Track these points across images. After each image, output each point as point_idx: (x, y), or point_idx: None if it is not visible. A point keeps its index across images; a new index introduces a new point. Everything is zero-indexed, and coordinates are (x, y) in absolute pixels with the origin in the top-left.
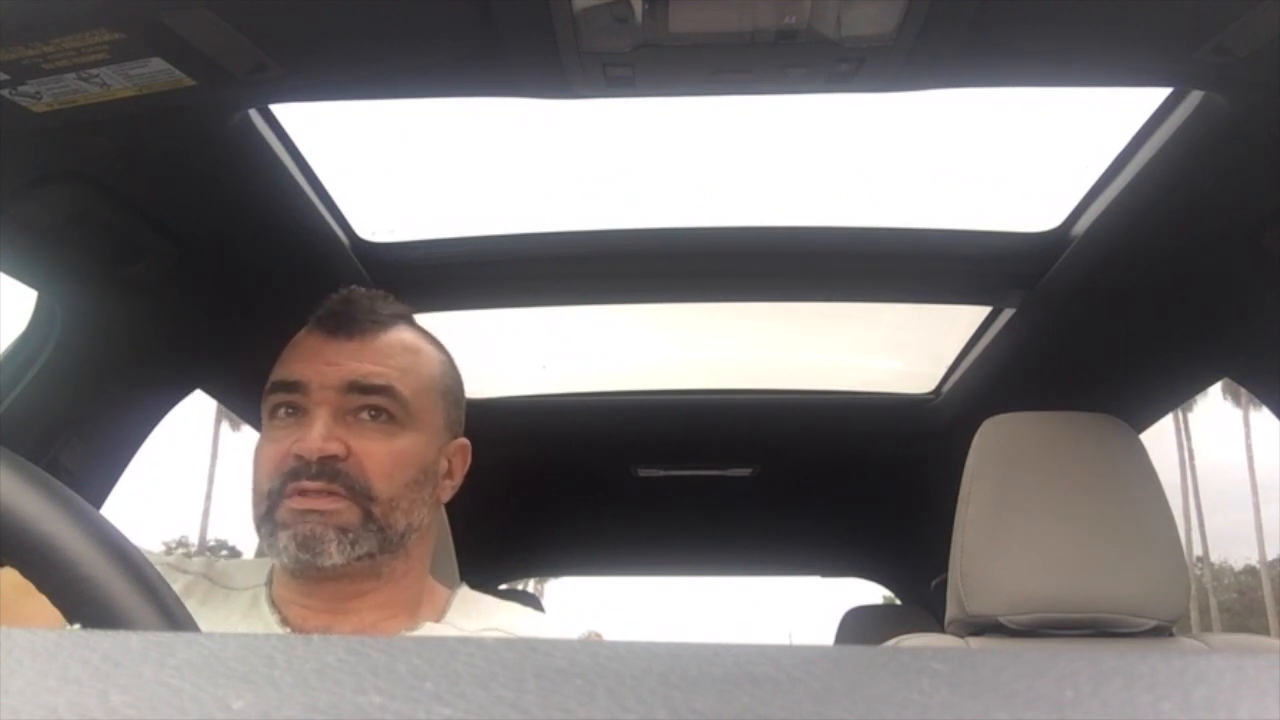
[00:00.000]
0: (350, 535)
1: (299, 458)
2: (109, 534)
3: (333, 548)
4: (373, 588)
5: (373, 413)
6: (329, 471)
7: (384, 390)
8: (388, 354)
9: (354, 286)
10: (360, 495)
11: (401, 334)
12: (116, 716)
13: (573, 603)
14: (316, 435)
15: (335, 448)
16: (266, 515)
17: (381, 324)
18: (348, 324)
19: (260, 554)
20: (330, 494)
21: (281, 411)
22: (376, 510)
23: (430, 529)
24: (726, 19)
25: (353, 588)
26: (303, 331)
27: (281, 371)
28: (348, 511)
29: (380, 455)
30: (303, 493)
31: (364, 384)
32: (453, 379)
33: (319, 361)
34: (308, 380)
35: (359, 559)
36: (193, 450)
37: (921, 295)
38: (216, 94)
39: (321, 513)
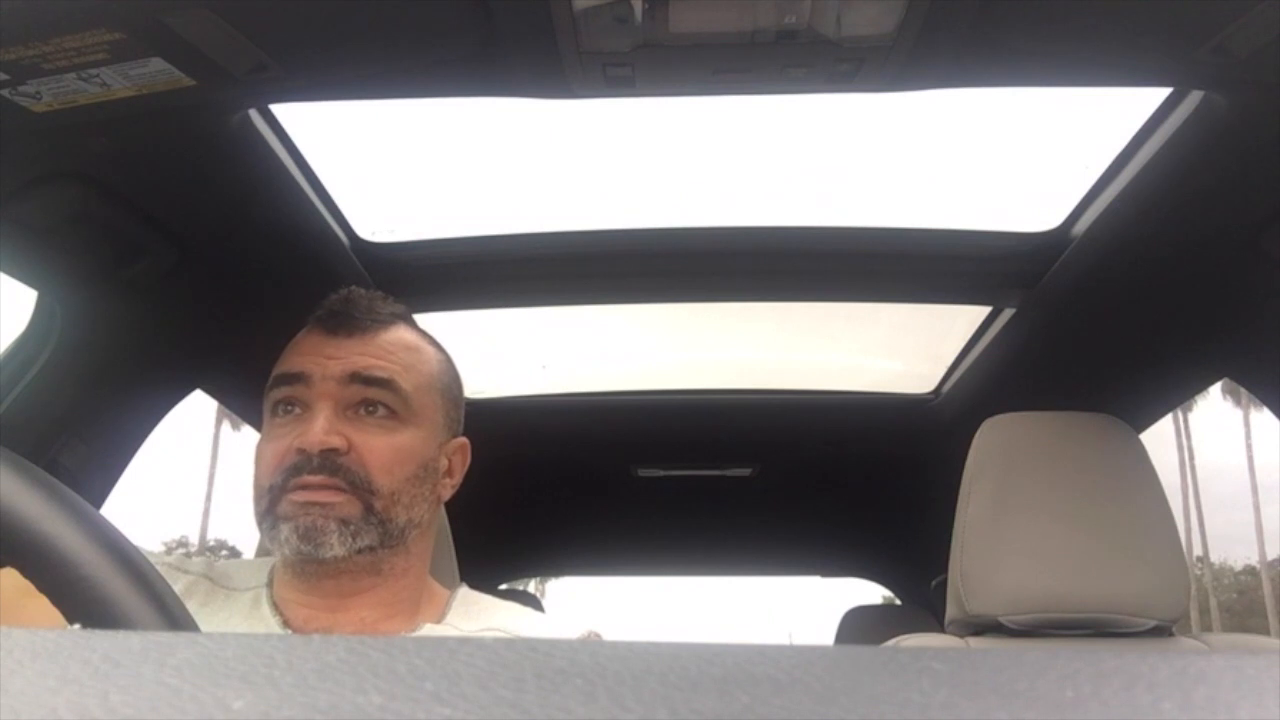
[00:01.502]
0: (351, 527)
1: (301, 452)
2: (109, 534)
3: (334, 539)
4: (373, 584)
5: (373, 407)
6: (330, 465)
7: (385, 383)
8: (389, 350)
9: (353, 286)
10: (361, 489)
11: (401, 332)
12: (116, 716)
13: (573, 603)
14: (318, 429)
15: (337, 441)
16: (268, 510)
17: (382, 322)
18: (348, 321)
19: (261, 553)
20: (332, 488)
21: (283, 409)
22: (377, 504)
23: (431, 527)
24: (726, 19)
25: (353, 584)
26: (303, 330)
27: (283, 366)
28: (348, 504)
29: (381, 449)
30: (304, 487)
31: (365, 376)
32: (451, 378)
33: (320, 355)
34: (310, 372)
35: (359, 552)
36: (193, 450)
37: (921, 295)
38: (216, 94)
39: (322, 505)
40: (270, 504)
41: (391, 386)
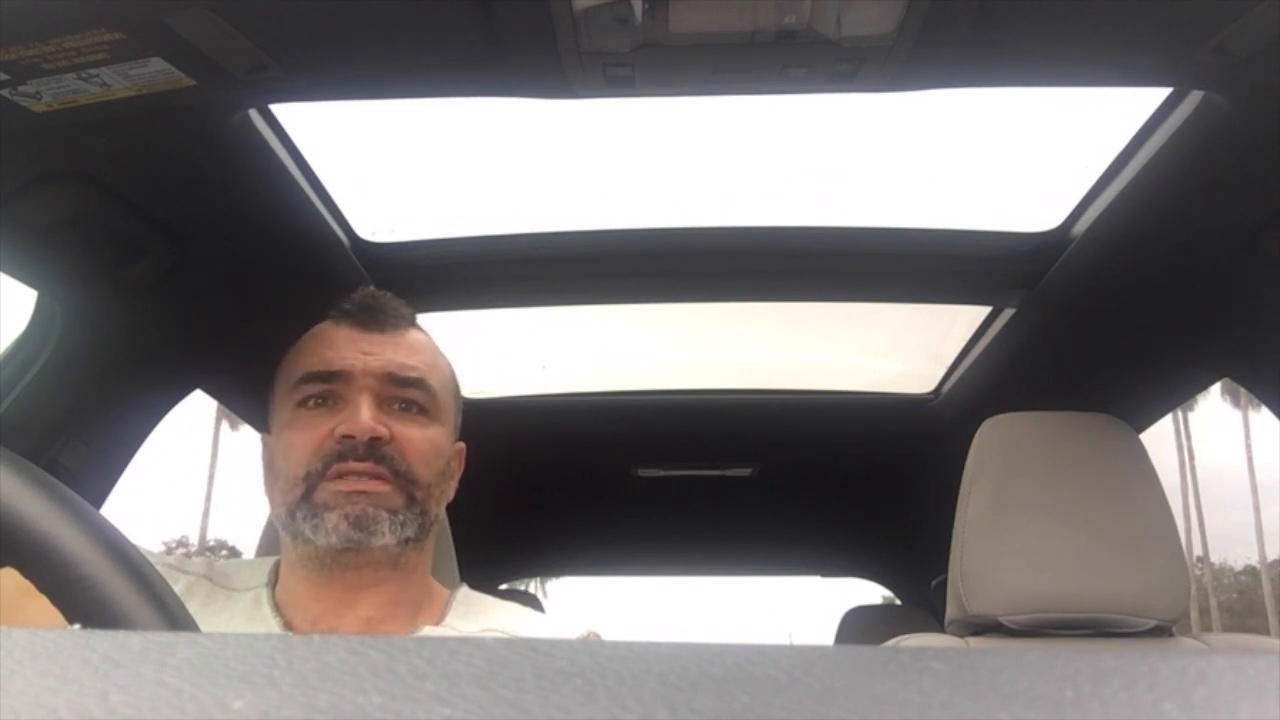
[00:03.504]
0: (399, 517)
1: (346, 438)
2: (109, 534)
3: (385, 528)
4: (389, 577)
5: (406, 404)
6: (376, 453)
7: (419, 383)
8: (418, 350)
9: (371, 286)
10: (403, 479)
11: (420, 335)
12: (116, 716)
13: (575, 602)
14: (366, 416)
15: (383, 430)
16: (304, 498)
17: (408, 322)
18: (380, 318)
19: (261, 553)
20: (374, 476)
21: (313, 401)
22: (418, 494)
23: (438, 527)
24: (726, 19)
25: (373, 575)
26: (326, 324)
27: (315, 361)
28: (392, 495)
29: (419, 441)
30: (345, 475)
31: (401, 376)
32: (457, 383)
33: (357, 351)
34: (349, 368)
35: (401, 542)
36: (193, 450)
37: (921, 295)
38: (216, 94)
39: (368, 494)
40: (307, 491)
41: (423, 385)
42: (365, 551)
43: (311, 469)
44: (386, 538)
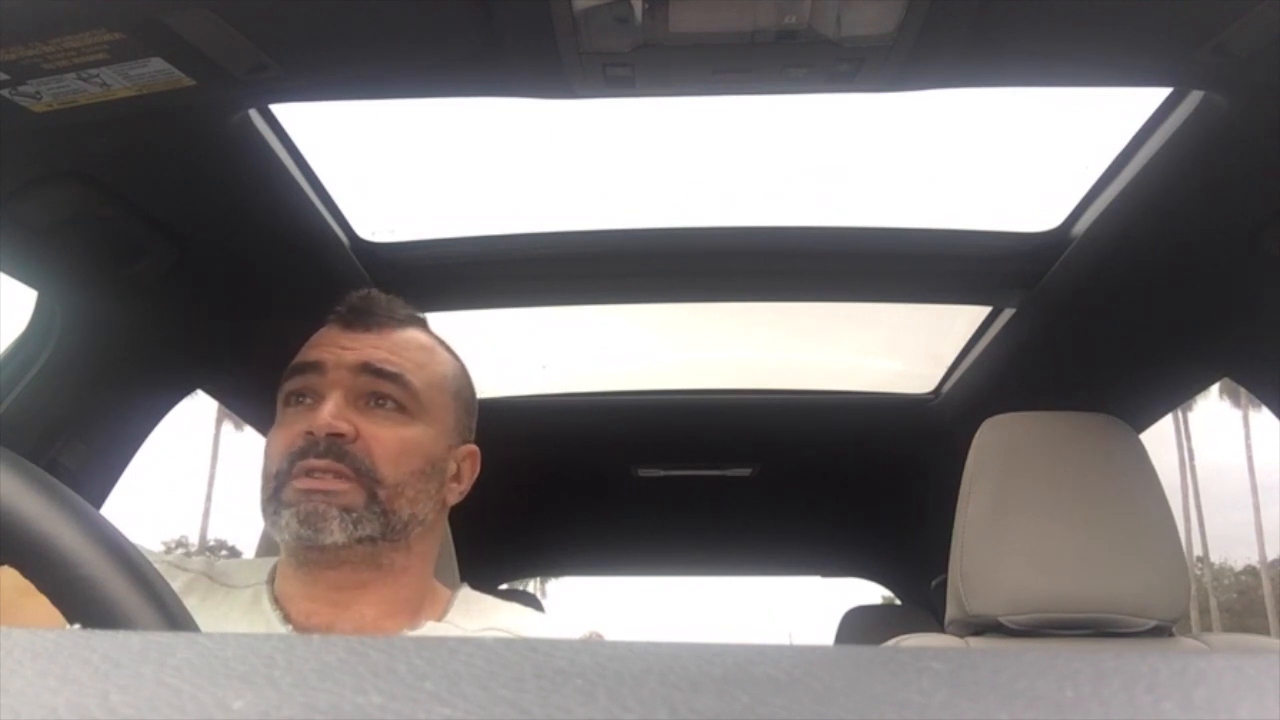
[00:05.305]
0: (353, 515)
1: (308, 434)
2: (109, 534)
3: (334, 525)
4: (373, 579)
5: (382, 400)
6: (336, 450)
7: (395, 378)
8: (402, 347)
9: (373, 289)
10: (365, 477)
11: (417, 334)
12: (116, 716)
13: (575, 602)
14: (326, 413)
15: (344, 426)
16: (273, 496)
17: (399, 321)
18: (366, 317)
19: (262, 553)
20: (336, 474)
21: (295, 399)
22: (381, 493)
23: (435, 529)
24: (726, 19)
25: (353, 576)
26: (324, 328)
27: (299, 358)
28: (352, 493)
29: (388, 440)
30: (309, 472)
31: (375, 367)
32: (465, 384)
33: (336, 347)
34: (324, 361)
35: (360, 541)
36: (193, 450)
37: (921, 295)
38: (216, 94)
39: (326, 492)
40: (275, 490)
41: (401, 381)
42: (329, 550)
43: (280, 468)
44: (336, 535)
